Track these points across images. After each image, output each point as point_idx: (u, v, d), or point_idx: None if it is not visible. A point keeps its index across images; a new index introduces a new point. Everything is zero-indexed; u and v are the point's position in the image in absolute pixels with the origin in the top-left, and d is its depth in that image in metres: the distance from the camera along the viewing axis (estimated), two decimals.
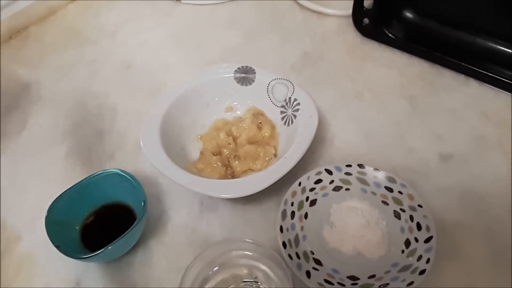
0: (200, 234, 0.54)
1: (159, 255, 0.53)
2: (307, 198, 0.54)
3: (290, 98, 0.59)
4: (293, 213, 0.52)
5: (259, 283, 0.41)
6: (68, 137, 0.67)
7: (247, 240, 0.38)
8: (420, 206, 0.51)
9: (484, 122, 0.63)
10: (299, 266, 0.47)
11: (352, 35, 0.77)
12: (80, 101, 0.73)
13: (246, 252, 0.39)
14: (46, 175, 0.62)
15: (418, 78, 0.70)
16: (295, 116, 0.58)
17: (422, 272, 0.46)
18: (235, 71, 0.63)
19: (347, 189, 0.55)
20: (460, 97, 0.67)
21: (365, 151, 0.60)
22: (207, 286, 0.39)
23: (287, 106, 0.60)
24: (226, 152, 0.59)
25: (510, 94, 0.65)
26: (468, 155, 0.59)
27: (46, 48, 0.82)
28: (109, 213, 0.54)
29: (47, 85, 0.76)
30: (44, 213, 0.49)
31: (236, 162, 0.57)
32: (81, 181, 0.52)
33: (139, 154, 0.62)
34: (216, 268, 0.40)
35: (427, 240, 0.48)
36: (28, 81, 0.76)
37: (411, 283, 0.45)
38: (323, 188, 0.55)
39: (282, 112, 0.61)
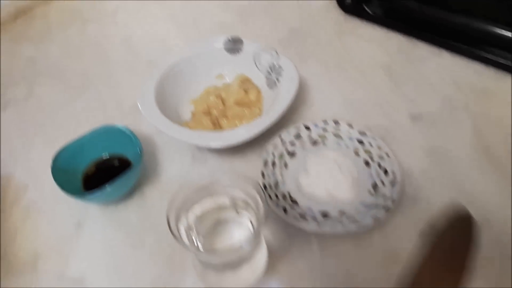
0: (192, 182, 0.59)
1: (153, 200, 0.58)
2: (287, 150, 0.60)
3: (274, 65, 0.65)
4: (274, 162, 0.58)
5: (238, 210, 0.46)
6: (71, 104, 0.73)
7: (229, 173, 0.44)
8: (387, 155, 0.56)
9: (453, 88, 0.68)
10: (277, 204, 0.53)
11: (337, 13, 0.83)
12: (82, 73, 0.79)
13: (228, 183, 0.45)
14: (52, 135, 0.69)
15: (395, 51, 0.76)
16: (278, 80, 0.64)
17: (387, 209, 0.51)
18: (225, 42, 0.69)
19: (323, 143, 0.61)
20: (433, 67, 0.72)
21: (343, 114, 0.66)
22: (194, 210, 0.45)
23: (272, 72, 0.66)
24: (215, 112, 0.64)
25: (479, 63, 0.70)
26: (436, 116, 0.65)
27: (50, 27, 0.88)
28: (109, 164, 0.60)
29: (51, 59, 0.82)
30: (48, 167, 0.55)
31: (225, 121, 0.63)
32: (83, 135, 0.58)
33: (137, 117, 0.68)
34: (203, 196, 0.45)
35: (393, 183, 0.54)
36: (33, 56, 0.83)
37: (377, 218, 0.50)
38: (302, 142, 0.61)
39: (267, 78, 0.67)
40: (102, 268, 0.53)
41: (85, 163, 0.59)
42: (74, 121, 0.70)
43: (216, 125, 0.64)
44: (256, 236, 0.41)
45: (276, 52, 0.66)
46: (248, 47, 0.68)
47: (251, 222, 0.46)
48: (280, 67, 0.65)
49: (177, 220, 0.41)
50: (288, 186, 0.57)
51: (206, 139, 0.57)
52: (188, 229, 0.43)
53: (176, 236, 0.39)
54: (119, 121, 0.65)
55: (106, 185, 0.52)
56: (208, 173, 0.60)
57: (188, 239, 0.42)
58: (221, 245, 0.45)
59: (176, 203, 0.42)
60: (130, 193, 0.58)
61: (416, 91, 0.69)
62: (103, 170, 0.60)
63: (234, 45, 0.69)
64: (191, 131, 0.58)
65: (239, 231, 0.47)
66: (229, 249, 0.42)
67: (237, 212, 0.46)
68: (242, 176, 0.43)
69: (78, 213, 0.57)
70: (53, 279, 0.52)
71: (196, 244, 0.43)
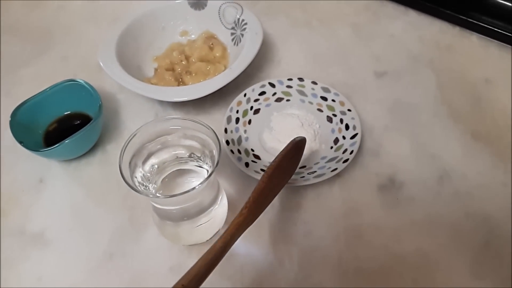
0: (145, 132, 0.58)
1: (116, 156, 0.57)
2: (251, 107, 0.60)
3: (239, 19, 0.64)
4: (237, 119, 0.58)
5: (197, 160, 0.46)
6: (34, 61, 0.71)
7: (182, 117, 0.43)
8: (349, 110, 0.57)
9: (418, 45, 0.69)
10: (239, 159, 0.53)
11: None
12: (47, 31, 0.77)
13: (184, 132, 0.45)
14: (13, 93, 0.67)
15: (363, 9, 0.76)
16: (242, 35, 0.63)
17: (346, 161, 0.52)
18: None
19: (287, 100, 0.61)
20: (400, 25, 0.72)
21: (309, 71, 0.66)
22: (150, 161, 0.45)
23: (236, 27, 0.65)
24: (178, 69, 0.64)
25: (444, 21, 0.71)
26: (401, 72, 0.65)
27: None
28: (70, 121, 0.59)
29: (16, 16, 0.79)
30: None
31: (188, 77, 0.62)
32: (44, 90, 0.57)
33: (100, 75, 0.66)
34: (158, 146, 0.45)
35: (353, 137, 0.54)
36: None
37: (335, 169, 0.51)
38: (266, 99, 0.61)
39: (232, 34, 0.66)
40: (63, 224, 0.52)
41: (47, 119, 0.58)
42: (36, 79, 0.68)
43: (180, 82, 0.63)
44: (210, 179, 0.40)
45: (241, 6, 0.65)
46: (212, 1, 0.67)
47: (207, 172, 0.46)
48: (244, 22, 0.64)
49: (133, 169, 0.41)
50: (252, 142, 0.57)
51: (168, 94, 0.57)
52: (145, 179, 0.43)
53: (128, 183, 0.39)
54: (82, 78, 0.64)
55: (66, 140, 0.51)
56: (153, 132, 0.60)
57: (145, 189, 0.42)
58: None
59: (129, 153, 0.41)
60: (92, 150, 0.58)
61: (382, 49, 0.69)
62: (64, 127, 0.59)
63: (199, 0, 0.67)
64: (152, 86, 0.58)
65: (198, 180, 0.47)
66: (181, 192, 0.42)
67: (196, 163, 0.46)
68: (192, 119, 0.43)
69: (40, 170, 0.57)
70: (14, 234, 0.52)
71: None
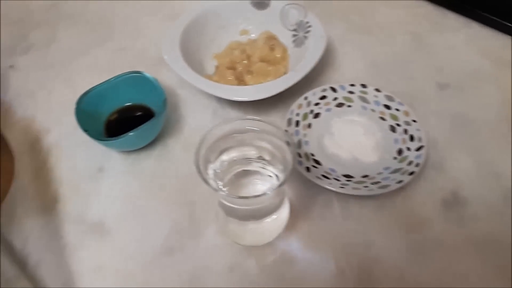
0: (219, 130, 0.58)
1: (175, 151, 0.58)
2: (312, 111, 0.59)
3: (302, 21, 0.64)
4: (297, 122, 0.58)
5: (265, 165, 0.46)
6: (92, 51, 0.72)
7: (259, 118, 0.43)
8: (414, 121, 0.56)
9: (481, 59, 0.67)
10: (300, 163, 0.53)
11: None
12: (105, 20, 0.77)
13: (258, 134, 0.44)
14: (73, 81, 0.68)
15: (423, 18, 0.74)
16: (306, 38, 0.63)
17: (412, 173, 0.51)
18: None
19: (348, 106, 0.60)
20: (461, 37, 0.71)
21: (369, 78, 0.65)
22: (221, 158, 0.45)
23: (299, 29, 0.64)
24: (239, 68, 0.63)
25: (509, 36, 0.69)
26: (464, 86, 0.64)
27: None
28: (131, 112, 0.60)
29: (75, 3, 0.80)
30: (70, 111, 0.55)
31: (249, 77, 0.62)
32: (108, 79, 0.57)
33: (159, 68, 0.67)
34: (231, 144, 0.45)
35: (418, 149, 0.53)
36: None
37: (400, 181, 0.50)
38: (327, 103, 0.60)
39: (293, 35, 0.65)
40: (122, 214, 0.53)
41: (108, 109, 0.59)
42: (95, 68, 0.69)
43: (240, 81, 0.63)
44: (281, 186, 0.40)
45: (304, 8, 0.65)
46: (276, 1, 0.67)
47: (276, 176, 0.45)
48: (308, 24, 0.63)
49: (206, 165, 0.41)
50: (312, 146, 0.56)
51: (231, 92, 0.57)
52: (215, 176, 0.43)
53: (204, 178, 0.39)
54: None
55: (131, 132, 0.51)
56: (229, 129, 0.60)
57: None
58: (245, 194, 0.45)
59: (204, 148, 0.41)
60: (152, 144, 0.58)
61: (444, 60, 0.67)
62: (125, 117, 0.59)
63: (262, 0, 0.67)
64: (217, 84, 0.58)
65: (264, 183, 0.47)
66: (255, 194, 0.42)
67: (262, 165, 0.46)
68: (271, 123, 0.42)
69: (100, 159, 0.57)
70: (72, 223, 0.52)
71: None
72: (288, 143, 0.41)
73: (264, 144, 0.45)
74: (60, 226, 0.52)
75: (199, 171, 0.39)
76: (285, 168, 0.41)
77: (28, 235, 0.51)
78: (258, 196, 0.40)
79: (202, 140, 0.41)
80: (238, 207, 0.44)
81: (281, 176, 0.43)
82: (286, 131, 0.41)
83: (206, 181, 0.39)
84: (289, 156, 0.41)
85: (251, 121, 0.43)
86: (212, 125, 0.42)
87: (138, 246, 0.50)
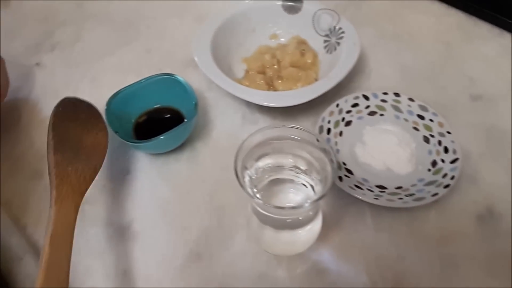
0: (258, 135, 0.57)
1: (204, 155, 0.57)
2: (343, 118, 0.58)
3: (334, 27, 0.63)
4: (329, 129, 0.57)
5: (299, 174, 0.45)
6: (119, 51, 0.72)
7: (298, 126, 0.42)
8: (448, 132, 0.55)
9: None
10: None
11: None
12: (130, 21, 0.77)
13: (295, 141, 0.43)
14: (98, 80, 0.67)
15: (454, 27, 0.73)
16: (338, 44, 0.62)
17: (447, 186, 0.50)
18: None
19: (381, 115, 0.59)
20: (494, 47, 0.69)
21: (400, 86, 0.64)
22: (257, 164, 0.44)
23: (331, 35, 0.63)
24: (270, 72, 0.62)
25: None
26: (497, 97, 0.62)
27: None
28: (160, 114, 0.59)
29: (100, 3, 0.80)
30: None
31: (279, 81, 0.61)
32: (138, 81, 0.57)
33: (186, 70, 0.66)
34: (268, 151, 0.44)
35: (453, 161, 0.52)
36: None
37: (436, 194, 0.49)
38: (359, 111, 0.59)
39: (325, 41, 0.64)
40: (149, 218, 0.52)
41: (137, 110, 0.58)
42: (121, 68, 0.69)
43: (270, 86, 0.62)
44: (320, 200, 0.39)
45: (337, 14, 0.64)
46: (308, 5, 0.66)
47: (311, 186, 0.44)
48: (341, 30, 0.62)
49: (243, 171, 0.40)
50: (343, 155, 0.55)
51: (264, 97, 0.56)
52: (250, 183, 0.42)
53: (242, 185, 0.38)
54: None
55: (162, 135, 0.51)
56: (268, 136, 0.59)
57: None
58: (278, 203, 0.44)
59: (243, 154, 0.40)
60: (181, 147, 0.57)
61: (476, 71, 0.66)
62: (154, 120, 0.58)
63: (293, 3, 0.66)
64: (248, 89, 0.57)
65: (297, 192, 0.46)
66: (291, 205, 0.41)
67: (296, 173, 0.45)
68: (312, 133, 0.42)
69: (128, 161, 0.57)
70: (101, 224, 0.51)
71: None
72: (332, 161, 0.39)
73: (301, 153, 0.44)
74: (87, 228, 0.51)
75: (238, 178, 0.38)
76: (325, 180, 0.40)
77: None
78: (295, 207, 0.40)
79: (241, 146, 0.40)
80: (273, 215, 0.43)
81: (319, 189, 0.42)
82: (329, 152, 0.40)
83: (244, 188, 0.38)
84: (329, 170, 0.40)
85: (292, 129, 0.42)
86: (253, 131, 0.41)
87: (166, 250, 0.50)
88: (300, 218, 0.43)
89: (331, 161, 0.40)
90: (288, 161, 0.45)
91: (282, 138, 0.43)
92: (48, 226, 0.40)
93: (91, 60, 0.70)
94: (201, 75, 0.64)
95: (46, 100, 0.65)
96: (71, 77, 0.68)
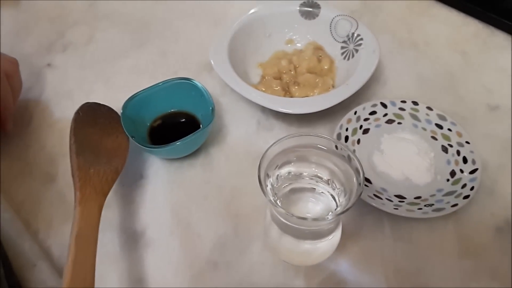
0: (257, 148, 0.57)
1: (219, 161, 0.56)
2: (361, 126, 0.57)
3: (353, 34, 0.62)
4: (346, 137, 0.56)
5: (318, 183, 0.44)
6: (133, 53, 0.71)
7: (322, 135, 0.41)
8: (467, 142, 0.54)
9: None
10: None
11: None
12: (144, 22, 0.76)
13: (318, 150, 0.43)
14: (112, 82, 0.67)
15: (472, 37, 0.72)
16: (356, 51, 0.61)
17: (466, 197, 0.49)
18: (301, 4, 0.65)
19: (399, 123, 0.58)
20: (511, 57, 0.69)
21: (417, 95, 0.63)
22: (279, 171, 0.43)
23: (349, 41, 0.63)
24: (286, 78, 0.62)
25: None
26: None
27: None
28: (175, 119, 0.58)
29: (113, 3, 0.79)
30: None
31: (296, 87, 0.60)
32: (154, 85, 0.56)
33: (200, 74, 0.65)
34: (293, 158, 0.43)
35: (472, 172, 0.51)
36: None
37: (455, 205, 0.48)
38: (376, 119, 0.58)
39: (342, 48, 0.64)
40: (164, 225, 0.51)
41: (152, 115, 0.57)
42: (136, 70, 0.68)
43: (286, 92, 0.61)
44: (344, 212, 0.39)
45: (356, 20, 0.63)
46: (325, 11, 0.65)
47: (332, 197, 0.44)
48: (360, 37, 0.61)
49: (265, 179, 0.39)
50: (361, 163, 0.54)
51: (281, 104, 0.55)
52: (271, 191, 0.41)
53: (265, 193, 0.38)
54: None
55: (178, 141, 0.50)
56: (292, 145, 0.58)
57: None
58: (297, 212, 0.43)
59: (266, 161, 0.40)
60: (195, 153, 0.56)
61: (493, 81, 0.66)
62: (168, 124, 0.58)
63: (311, 9, 0.65)
64: (266, 95, 0.56)
65: (317, 202, 0.45)
66: (314, 217, 0.41)
67: (316, 182, 0.44)
68: (338, 143, 0.41)
69: (142, 166, 0.56)
70: (115, 230, 0.51)
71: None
72: (358, 171, 0.39)
73: (325, 162, 0.43)
74: (101, 232, 0.50)
75: (262, 186, 0.38)
76: (350, 192, 0.39)
77: (67, 242, 0.49)
78: (317, 220, 0.39)
79: (265, 153, 0.39)
80: (294, 225, 0.42)
81: (342, 200, 0.41)
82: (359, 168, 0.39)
83: (267, 196, 0.38)
84: (354, 182, 0.39)
85: (319, 139, 0.41)
86: (267, 138, 0.40)
87: (181, 258, 0.49)
88: (322, 228, 0.42)
89: (357, 171, 0.39)
90: (311, 169, 0.44)
91: (306, 146, 0.42)
92: (73, 227, 0.41)
93: (105, 61, 0.70)
94: (215, 80, 0.63)
95: (57, 102, 0.65)
96: (84, 79, 0.67)
